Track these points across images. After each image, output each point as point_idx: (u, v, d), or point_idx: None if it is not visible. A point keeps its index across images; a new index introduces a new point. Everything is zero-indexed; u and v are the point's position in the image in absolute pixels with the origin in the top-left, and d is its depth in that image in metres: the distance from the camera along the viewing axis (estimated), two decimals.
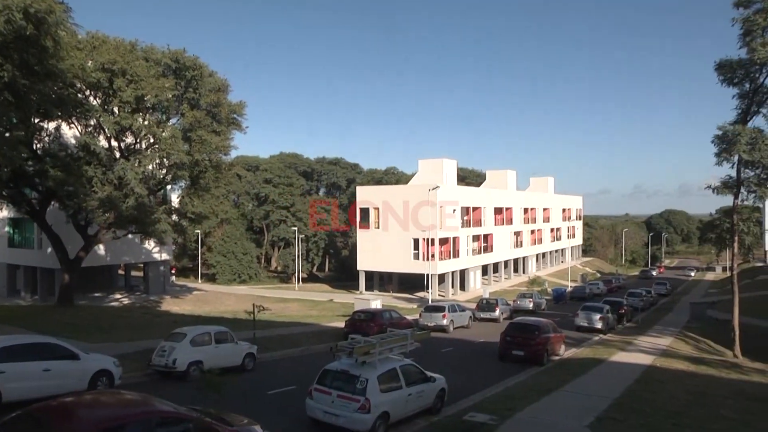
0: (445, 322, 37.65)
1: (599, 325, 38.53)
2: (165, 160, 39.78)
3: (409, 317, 40.48)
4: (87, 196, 35.88)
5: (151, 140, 38.91)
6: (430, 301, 49.78)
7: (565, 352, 29.85)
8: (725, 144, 28.86)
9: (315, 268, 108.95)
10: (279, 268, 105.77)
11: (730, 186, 30.79)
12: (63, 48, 28.67)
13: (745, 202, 32.09)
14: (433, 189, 59.42)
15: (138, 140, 39.72)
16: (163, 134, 37.91)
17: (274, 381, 21.75)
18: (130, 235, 45.04)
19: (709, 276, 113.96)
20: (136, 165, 37.51)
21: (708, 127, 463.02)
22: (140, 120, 37.43)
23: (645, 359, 27.42)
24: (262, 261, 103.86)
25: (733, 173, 30.60)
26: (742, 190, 30.86)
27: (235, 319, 36.86)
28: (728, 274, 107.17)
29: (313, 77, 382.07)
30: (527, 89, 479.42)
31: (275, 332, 34.31)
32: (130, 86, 35.64)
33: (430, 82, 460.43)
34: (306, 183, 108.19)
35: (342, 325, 35.34)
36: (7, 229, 52.35)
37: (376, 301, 41.60)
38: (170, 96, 38.80)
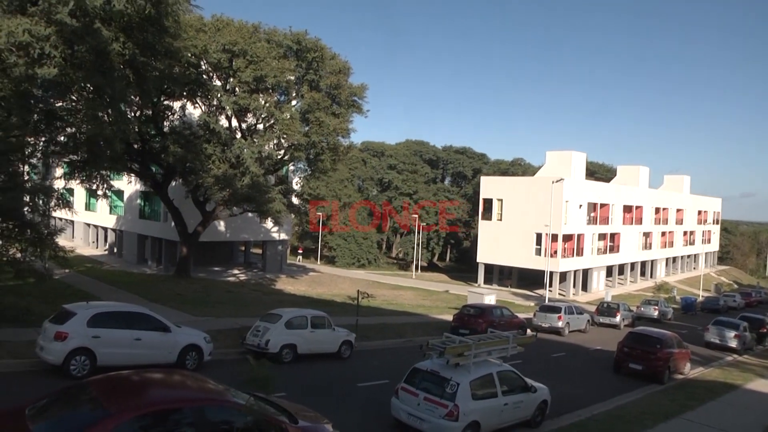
0: (560, 324, 35.36)
1: (733, 344, 34.55)
2: (282, 140, 39.96)
3: (524, 316, 38.47)
4: (204, 172, 36.68)
5: (270, 121, 39.15)
6: (546, 300, 47.42)
7: (690, 371, 26.88)
8: None
9: (436, 257, 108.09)
10: (399, 255, 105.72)
11: None
12: (183, 28, 29.18)
13: None
14: (557, 181, 56.69)
15: (258, 121, 40.14)
16: (282, 115, 38.00)
17: (367, 372, 20.85)
18: (250, 214, 45.54)
19: None
20: (252, 144, 37.84)
21: None
22: (259, 100, 37.67)
23: None
24: (383, 247, 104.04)
25: None
26: None
27: (344, 304, 36.28)
28: None
29: (446, 67, 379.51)
30: (664, 81, 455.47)
31: (380, 320, 33.53)
32: (250, 67, 36.07)
33: (561, 73, 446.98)
34: (431, 171, 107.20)
35: (451, 318, 33.96)
36: (139, 201, 54.72)
37: (490, 296, 39.86)
38: (290, 77, 38.92)
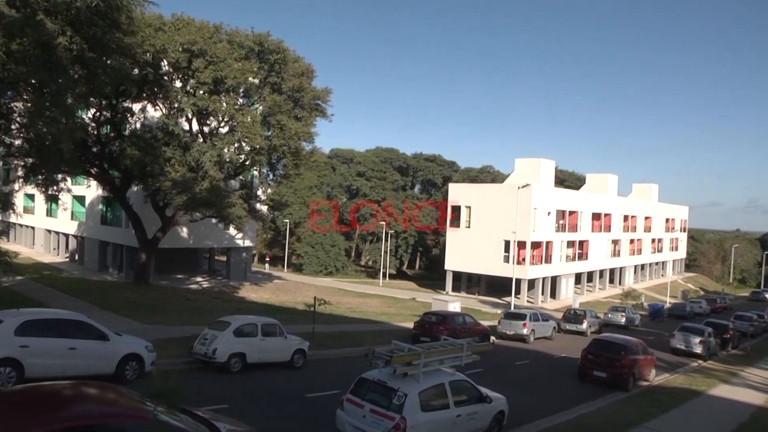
0: (525, 331, 34.73)
1: (698, 350, 34.33)
2: (244, 144, 39.04)
3: (490, 323, 37.83)
4: (162, 176, 35.66)
5: (232, 124, 38.25)
6: (512, 307, 46.88)
7: (655, 377, 26.32)
8: None
9: (405, 265, 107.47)
10: (369, 263, 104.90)
11: None
12: (138, 25, 28.27)
13: None
14: (523, 187, 56.16)
15: (220, 124, 39.24)
16: (243, 118, 37.10)
17: (319, 382, 19.93)
18: (213, 221, 44.36)
19: None
20: (212, 147, 36.87)
21: None
22: (220, 103, 36.74)
23: (755, 397, 23.47)
24: (352, 255, 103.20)
25: None
26: None
27: (305, 312, 35.38)
28: None
29: (418, 74, 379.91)
30: (634, 91, 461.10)
31: (340, 328, 32.68)
32: (209, 68, 35.21)
33: (533, 82, 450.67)
34: (401, 178, 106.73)
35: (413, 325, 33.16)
36: (100, 207, 53.37)
37: (454, 304, 39.14)
38: (251, 79, 38.10)
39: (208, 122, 39.65)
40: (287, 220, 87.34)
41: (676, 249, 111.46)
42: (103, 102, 36.72)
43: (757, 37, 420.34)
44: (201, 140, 38.63)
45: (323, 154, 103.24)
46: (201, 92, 36.20)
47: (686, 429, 17.47)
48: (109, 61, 25.59)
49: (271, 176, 44.08)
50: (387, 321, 39.42)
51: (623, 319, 47.04)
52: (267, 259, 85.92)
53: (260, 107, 39.77)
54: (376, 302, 54.55)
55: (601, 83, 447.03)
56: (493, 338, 32.65)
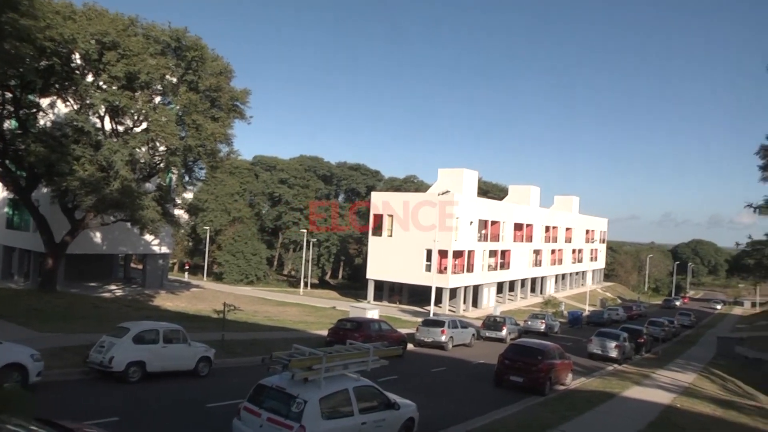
0: (443, 338, 34.26)
1: (614, 354, 34.89)
2: (158, 144, 37.40)
3: (408, 331, 37.28)
4: (69, 175, 33.63)
5: (146, 122, 36.56)
6: (431, 315, 46.55)
7: (572, 381, 26.35)
8: None
9: (329, 275, 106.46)
10: (292, 273, 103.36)
11: None
12: (40, 8, 26.52)
13: None
14: (443, 193, 55.98)
15: (134, 122, 37.46)
16: (157, 116, 35.50)
17: (222, 391, 18.81)
18: (128, 225, 42.20)
19: (737, 311, 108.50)
20: (124, 146, 35.08)
21: (743, 158, 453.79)
22: (133, 99, 35.02)
23: (663, 397, 23.84)
24: (275, 264, 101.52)
25: None
26: None
27: (220, 320, 34.01)
28: (757, 309, 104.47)
29: (343, 84, 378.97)
30: (557, 109, 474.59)
31: (252, 336, 31.49)
32: (122, 61, 33.46)
33: (457, 94, 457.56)
34: (324, 187, 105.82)
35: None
36: (6, 209, 50.40)
37: (372, 311, 38.53)
38: (166, 75, 36.53)
39: (121, 120, 37.71)
40: (207, 227, 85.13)
41: (596, 259, 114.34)
42: (6, 95, 34.56)
43: (678, 52, 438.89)
44: (113, 139, 36.72)
45: (246, 160, 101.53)
46: (114, 87, 34.39)
47: (600, 430, 17.24)
48: (5, 46, 23.82)
49: (187, 179, 42.31)
50: (303, 329, 38.33)
51: (543, 326, 47.41)
52: (186, 267, 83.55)
53: (177, 106, 38.17)
54: (295, 311, 53.41)
55: (526, 97, 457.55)
56: (411, 346, 32.11)
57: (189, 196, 42.94)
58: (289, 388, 12.31)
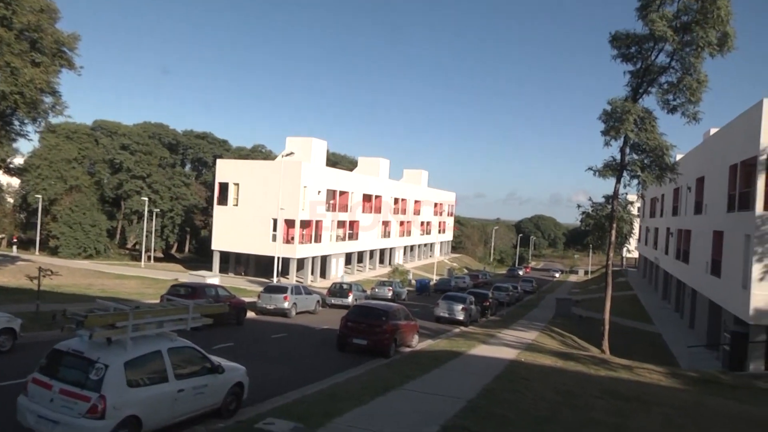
0: (286, 305, 32.42)
1: (461, 317, 34.74)
2: None
3: (252, 300, 35.17)
4: None
5: None
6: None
7: (418, 343, 25.47)
8: (613, 121, 27.33)
9: (175, 248, 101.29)
10: (136, 246, 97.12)
11: (613, 168, 28.88)
12: None
13: (627, 188, 29.74)
14: (288, 155, 54.00)
15: None
16: None
17: (24, 368, 15.85)
18: None
19: (573, 278, 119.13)
20: None
21: (579, 141, 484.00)
22: None
23: (509, 353, 23.63)
24: (117, 237, 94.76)
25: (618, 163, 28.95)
26: (625, 174, 28.92)
27: (44, 292, 30.29)
28: (589, 276, 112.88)
29: (189, 51, 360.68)
30: (412, 87, 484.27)
31: (76, 307, 28.10)
32: None
33: (309, 68, 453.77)
34: (170, 156, 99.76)
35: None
36: None
37: (212, 279, 36.02)
38: None
39: None
40: (39, 196, 77.58)
41: (444, 232, 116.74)
42: None
43: (518, 36, 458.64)
44: None
45: (86, 125, 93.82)
46: None
47: (448, 385, 16.26)
48: None
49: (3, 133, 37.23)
50: (138, 300, 35.26)
51: (390, 293, 46.96)
52: (14, 240, 75.91)
53: None
54: (134, 283, 49.62)
55: (378, 72, 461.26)
56: (254, 314, 30.17)
57: (20, 161, 37.72)
58: (87, 352, 10.05)
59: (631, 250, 79.59)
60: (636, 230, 46.45)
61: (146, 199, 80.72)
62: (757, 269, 25.79)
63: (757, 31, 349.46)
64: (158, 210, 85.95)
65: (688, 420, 15.26)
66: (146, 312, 11.33)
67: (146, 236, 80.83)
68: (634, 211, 35.45)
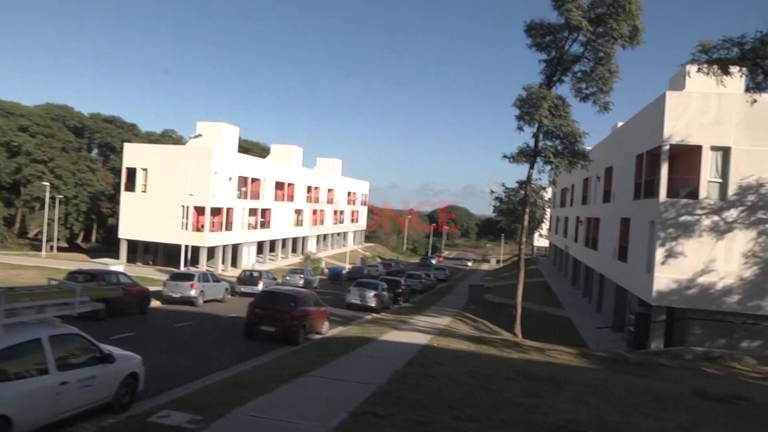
0: (193, 293, 31.20)
1: (373, 303, 34.51)
2: None
3: (157, 289, 33.76)
4: None
5: None
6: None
7: (329, 330, 24.95)
8: (529, 107, 27.52)
9: (81, 237, 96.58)
10: (39, 236, 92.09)
11: (527, 154, 29.22)
12: None
13: (541, 174, 30.40)
14: (196, 137, 52.22)
15: None
16: None
17: None
18: None
19: (485, 266, 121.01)
20: None
21: (493, 134, 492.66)
22: None
23: (421, 338, 23.46)
24: (16, 225, 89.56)
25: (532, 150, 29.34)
26: (538, 160, 29.35)
27: None
28: (501, 265, 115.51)
29: (95, 28, 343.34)
30: (325, 75, 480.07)
31: None
32: None
33: (218, 50, 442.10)
34: (75, 140, 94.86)
35: None
36: None
37: (116, 266, 34.35)
38: None
39: None
40: None
41: (357, 221, 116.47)
42: None
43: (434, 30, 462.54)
44: None
45: None
46: None
47: (358, 371, 15.75)
48: None
49: None
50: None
51: (302, 281, 46.29)
52: None
53: None
54: (33, 274, 46.99)
55: (291, 61, 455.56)
56: (158, 303, 28.87)
57: None
58: None
59: (543, 235, 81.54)
60: (547, 218, 47.43)
61: (48, 184, 76.58)
62: (660, 253, 26.71)
63: (663, 26, 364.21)
64: (62, 197, 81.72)
65: (598, 397, 15.44)
66: (23, 295, 10.13)
67: (48, 224, 76.57)
68: (547, 197, 36.03)
